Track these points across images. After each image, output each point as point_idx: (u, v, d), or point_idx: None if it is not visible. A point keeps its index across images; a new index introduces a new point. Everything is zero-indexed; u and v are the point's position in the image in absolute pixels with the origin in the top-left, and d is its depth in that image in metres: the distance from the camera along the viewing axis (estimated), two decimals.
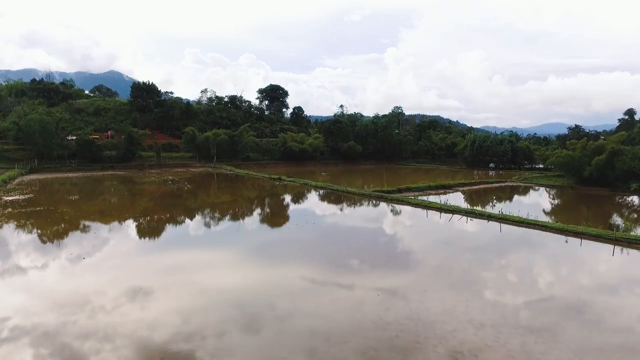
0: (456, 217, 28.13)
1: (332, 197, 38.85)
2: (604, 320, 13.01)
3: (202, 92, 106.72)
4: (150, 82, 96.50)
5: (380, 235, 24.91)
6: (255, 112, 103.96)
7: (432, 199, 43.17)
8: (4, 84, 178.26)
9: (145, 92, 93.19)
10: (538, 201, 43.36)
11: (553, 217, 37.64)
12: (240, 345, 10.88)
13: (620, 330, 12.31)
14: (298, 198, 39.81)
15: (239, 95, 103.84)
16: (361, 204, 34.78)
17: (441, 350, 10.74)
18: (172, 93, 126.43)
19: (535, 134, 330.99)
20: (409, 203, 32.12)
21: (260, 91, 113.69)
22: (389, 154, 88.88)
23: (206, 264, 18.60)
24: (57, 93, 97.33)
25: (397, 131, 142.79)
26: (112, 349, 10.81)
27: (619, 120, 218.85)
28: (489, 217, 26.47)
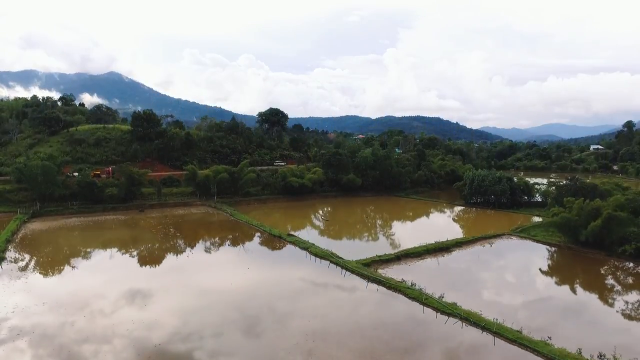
0: (452, 320, 28.79)
1: (327, 281, 39.32)
2: None
3: (202, 119, 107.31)
4: (150, 111, 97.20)
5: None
6: (255, 139, 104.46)
7: (430, 262, 43.96)
8: (4, 100, 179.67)
9: (145, 122, 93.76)
10: (535, 264, 44.10)
11: (549, 278, 38.41)
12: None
13: None
14: (293, 291, 40.42)
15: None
16: (354, 299, 35.25)
17: None
18: (172, 116, 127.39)
19: (534, 141, 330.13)
20: (406, 294, 32.71)
21: (260, 114, 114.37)
22: (388, 185, 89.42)
23: None
24: (58, 122, 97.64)
25: (398, 150, 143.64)
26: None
27: (618, 131, 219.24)
28: (484, 327, 27.08)
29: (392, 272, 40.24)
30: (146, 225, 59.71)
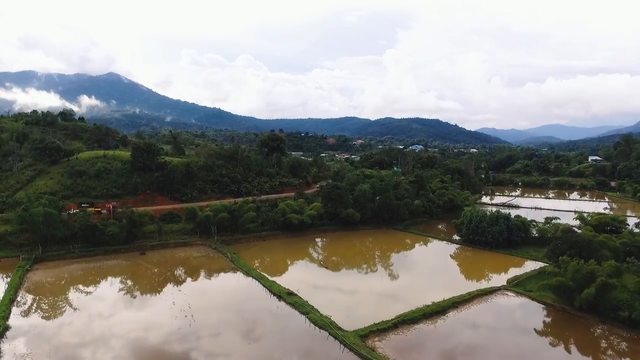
0: None
1: None
2: None
3: (202, 146, 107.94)
4: (151, 143, 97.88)
5: None
6: (255, 166, 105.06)
7: (427, 330, 44.80)
8: (4, 115, 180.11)
9: (145, 153, 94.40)
10: (530, 332, 44.96)
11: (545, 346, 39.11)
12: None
13: None
14: None
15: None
16: None
17: None
18: (171, 136, 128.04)
19: (534, 149, 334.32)
20: None
21: (260, 140, 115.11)
22: (387, 218, 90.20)
23: None
24: (59, 151, 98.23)
25: (396, 168, 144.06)
26: None
27: (615, 143, 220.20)
28: None
29: (390, 344, 41.19)
30: (147, 275, 60.58)
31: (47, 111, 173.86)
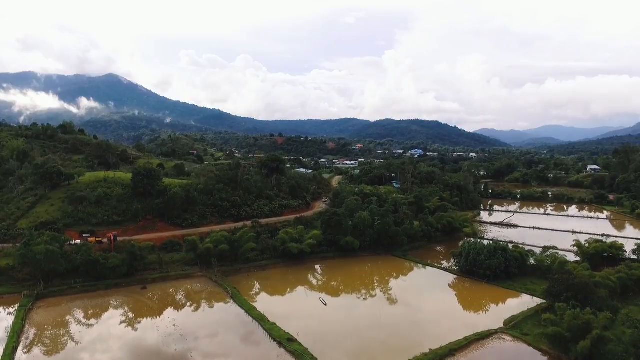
0: None
1: None
2: None
3: (202, 168, 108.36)
4: (151, 167, 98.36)
5: None
6: (254, 189, 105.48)
7: None
8: (3, 125, 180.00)
9: (146, 178, 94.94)
10: None
11: None
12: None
13: None
14: None
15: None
16: None
17: None
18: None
19: (533, 154, 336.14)
20: None
21: (260, 162, 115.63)
22: (386, 244, 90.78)
23: None
24: (60, 175, 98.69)
25: (395, 184, 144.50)
26: None
27: (614, 154, 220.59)
28: None
29: None
30: (148, 313, 61.32)
31: (48, 124, 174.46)
